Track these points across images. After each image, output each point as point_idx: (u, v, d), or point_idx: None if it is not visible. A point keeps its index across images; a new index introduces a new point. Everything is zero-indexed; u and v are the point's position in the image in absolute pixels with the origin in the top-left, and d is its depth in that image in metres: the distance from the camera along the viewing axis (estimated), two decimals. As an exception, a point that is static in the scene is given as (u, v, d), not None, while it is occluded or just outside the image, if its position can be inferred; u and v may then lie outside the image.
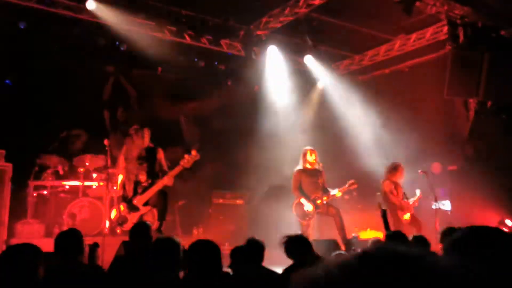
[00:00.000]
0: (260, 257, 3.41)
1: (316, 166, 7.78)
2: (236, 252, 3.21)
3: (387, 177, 7.95)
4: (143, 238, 3.51)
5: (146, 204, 6.13)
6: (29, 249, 2.57)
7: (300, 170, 7.75)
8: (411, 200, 7.77)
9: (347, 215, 7.97)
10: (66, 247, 3.17)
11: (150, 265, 2.66)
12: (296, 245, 3.64)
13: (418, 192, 7.82)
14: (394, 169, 7.92)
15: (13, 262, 2.49)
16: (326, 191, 7.66)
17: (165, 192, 6.11)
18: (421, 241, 4.31)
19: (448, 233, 3.93)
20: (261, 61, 10.70)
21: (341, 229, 7.44)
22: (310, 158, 7.72)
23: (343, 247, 6.94)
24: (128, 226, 6.10)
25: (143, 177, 6.16)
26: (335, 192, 7.62)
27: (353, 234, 7.59)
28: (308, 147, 7.95)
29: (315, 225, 7.91)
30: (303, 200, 7.56)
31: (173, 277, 2.64)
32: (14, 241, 6.43)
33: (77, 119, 9.25)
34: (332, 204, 7.73)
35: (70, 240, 3.23)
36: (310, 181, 7.67)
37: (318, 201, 7.55)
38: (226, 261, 3.31)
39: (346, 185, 7.66)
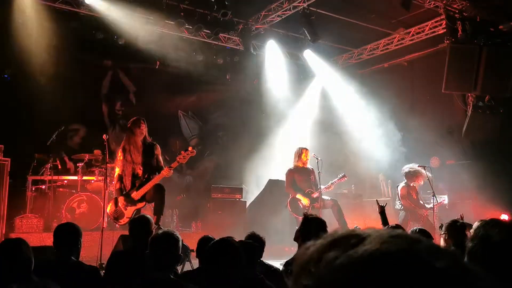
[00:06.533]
0: (260, 253, 3.41)
1: (307, 165, 7.86)
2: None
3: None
4: (143, 233, 3.48)
5: (142, 199, 6.10)
6: (22, 244, 2.57)
7: (292, 170, 7.87)
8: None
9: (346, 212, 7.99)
10: (63, 241, 3.18)
11: (149, 260, 2.65)
12: (315, 226, 3.48)
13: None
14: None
15: (7, 257, 2.49)
16: (317, 187, 7.68)
17: (162, 186, 6.07)
18: (423, 234, 4.27)
19: (453, 226, 3.86)
20: (260, 55, 10.69)
21: (339, 215, 7.45)
22: (304, 158, 7.81)
23: None
24: (123, 220, 6.09)
25: (139, 171, 6.12)
26: (327, 185, 7.68)
27: (356, 226, 7.54)
28: (303, 147, 8.01)
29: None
30: (298, 196, 7.60)
31: (172, 273, 2.63)
32: (13, 236, 6.45)
33: (75, 114, 9.25)
34: (328, 197, 7.80)
35: (68, 234, 3.23)
36: (303, 179, 7.76)
37: (314, 195, 7.59)
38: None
39: (337, 178, 7.74)
